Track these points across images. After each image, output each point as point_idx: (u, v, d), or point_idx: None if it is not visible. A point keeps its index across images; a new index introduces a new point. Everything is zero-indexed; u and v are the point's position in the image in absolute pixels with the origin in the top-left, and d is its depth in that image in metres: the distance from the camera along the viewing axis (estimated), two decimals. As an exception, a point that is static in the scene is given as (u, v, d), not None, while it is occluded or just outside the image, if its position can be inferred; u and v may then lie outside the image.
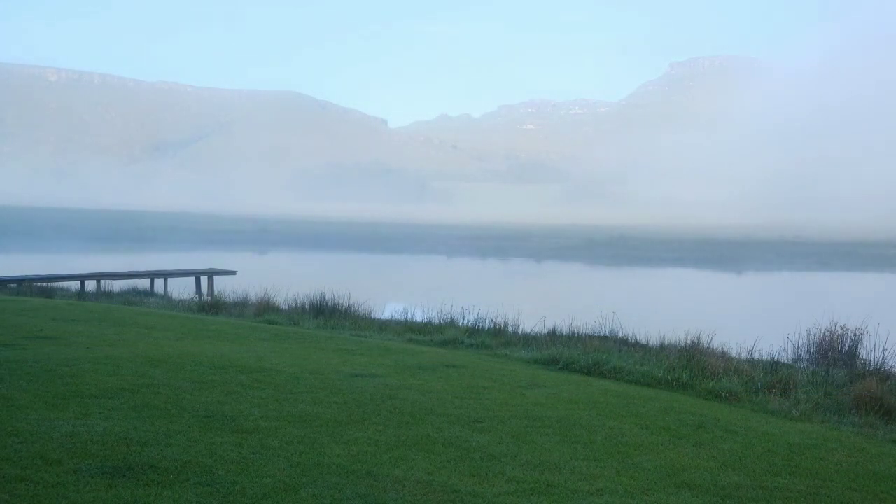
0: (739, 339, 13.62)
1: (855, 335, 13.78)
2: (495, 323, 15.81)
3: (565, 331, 15.37)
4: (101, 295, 23.83)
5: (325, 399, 7.67)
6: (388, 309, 18.83)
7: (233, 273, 31.28)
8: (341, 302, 18.50)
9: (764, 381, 10.44)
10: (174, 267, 33.12)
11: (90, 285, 26.17)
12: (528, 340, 14.47)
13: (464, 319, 16.40)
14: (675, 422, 7.77)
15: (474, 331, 15.24)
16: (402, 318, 17.68)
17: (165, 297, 25.49)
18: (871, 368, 11.91)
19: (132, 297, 23.07)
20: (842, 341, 13.83)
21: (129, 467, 5.13)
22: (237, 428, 6.33)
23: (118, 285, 26.90)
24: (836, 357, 13.33)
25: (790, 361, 13.42)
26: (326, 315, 17.48)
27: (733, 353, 13.05)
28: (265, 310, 18.19)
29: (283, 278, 24.97)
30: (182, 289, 27.68)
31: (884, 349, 12.60)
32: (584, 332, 15.05)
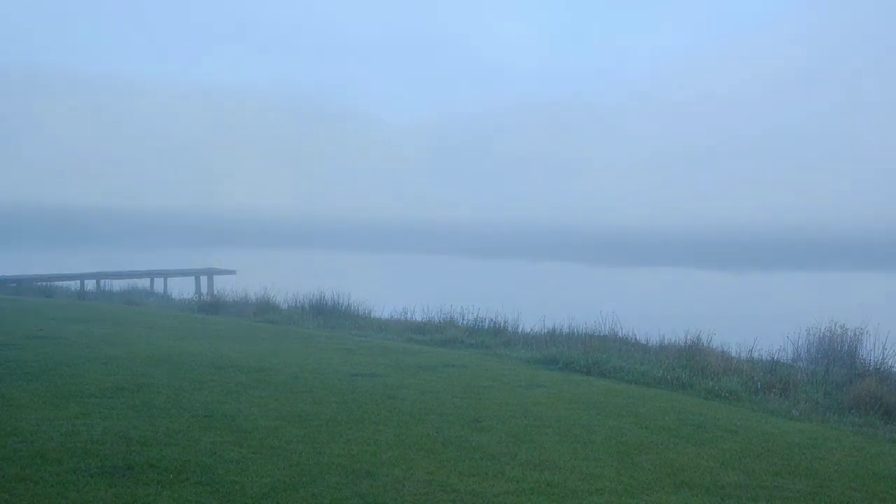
0: (739, 338, 13.61)
1: (855, 335, 13.78)
2: (495, 322, 15.80)
3: (565, 330, 15.35)
4: (100, 294, 23.85)
5: (325, 398, 7.67)
6: (388, 308, 18.79)
7: (232, 272, 31.30)
8: (341, 301, 18.49)
9: (764, 380, 10.44)
10: (174, 266, 33.13)
11: (90, 285, 26.17)
12: (528, 340, 14.46)
13: (463, 319, 16.38)
14: (675, 421, 7.77)
15: (474, 330, 15.23)
16: (402, 317, 17.67)
17: (165, 296, 25.52)
18: (870, 368, 11.90)
19: (132, 297, 23.09)
20: (841, 341, 13.84)
21: (129, 466, 5.13)
22: (237, 427, 6.33)
23: (118, 285, 26.92)
24: (835, 357, 13.32)
25: (790, 361, 13.42)
26: (326, 314, 17.47)
27: (733, 353, 13.04)
28: (265, 309, 18.19)
29: (283, 277, 24.98)
30: (182, 288, 27.69)
31: (884, 349, 12.59)
32: (584, 331, 15.03)
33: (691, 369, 10.80)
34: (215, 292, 23.85)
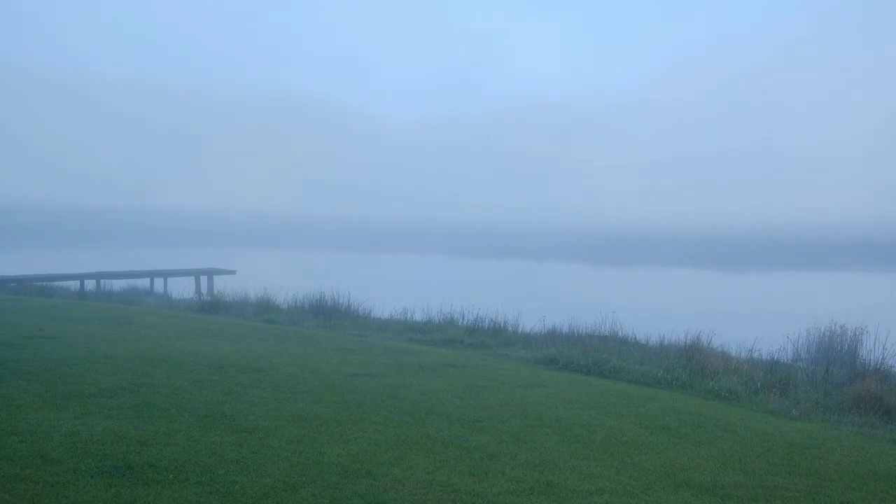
0: (739, 338, 13.61)
1: (855, 335, 13.79)
2: (495, 322, 15.80)
3: (565, 330, 15.36)
4: (100, 294, 23.85)
5: (325, 398, 7.67)
6: (388, 308, 18.80)
7: (232, 272, 31.29)
8: (341, 301, 18.49)
9: (764, 380, 10.44)
10: (174, 266, 33.13)
11: (90, 285, 26.17)
12: (528, 340, 14.47)
13: (463, 319, 16.39)
14: (675, 421, 7.77)
15: (474, 330, 15.24)
16: (402, 317, 17.67)
17: (165, 296, 25.53)
18: (870, 368, 11.91)
19: (132, 297, 23.09)
20: (841, 341, 13.85)
21: (129, 466, 5.13)
22: (237, 427, 6.33)
23: (118, 285, 26.92)
24: (835, 357, 13.33)
25: (790, 361, 13.42)
26: (326, 314, 17.47)
27: (733, 353, 13.04)
28: (265, 309, 18.18)
29: (283, 277, 24.97)
30: (182, 288, 27.69)
31: (884, 349, 12.60)
32: (584, 331, 15.04)
33: (691, 369, 10.80)
34: (215, 292, 23.84)
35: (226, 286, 23.16)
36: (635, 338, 14.91)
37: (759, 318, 22.92)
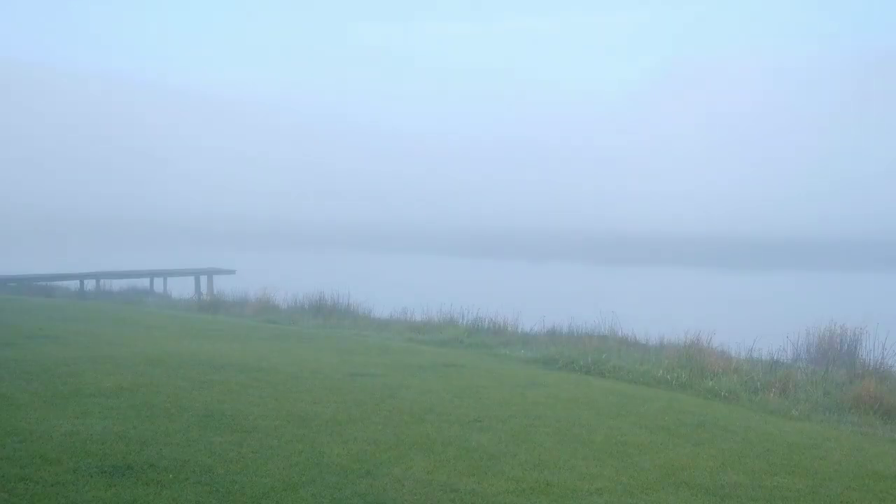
0: (739, 338, 13.60)
1: (854, 335, 13.78)
2: (494, 322, 15.79)
3: (565, 330, 15.37)
4: (100, 294, 23.88)
5: (325, 398, 7.67)
6: (388, 308, 18.80)
7: (232, 272, 31.28)
8: (341, 301, 18.50)
9: (763, 380, 10.44)
10: (173, 266, 33.11)
11: (90, 284, 26.17)
12: (528, 339, 14.47)
13: (463, 318, 16.38)
14: (675, 421, 7.77)
15: (474, 330, 15.24)
16: (402, 317, 17.67)
17: (165, 296, 25.57)
18: (870, 368, 11.91)
19: (131, 297, 23.15)
20: (841, 341, 13.84)
21: (129, 466, 5.13)
22: (236, 427, 6.33)
23: (118, 284, 26.93)
24: (835, 357, 13.32)
25: (790, 361, 13.41)
26: (326, 314, 17.48)
27: (733, 353, 13.03)
28: (264, 309, 18.21)
29: (283, 277, 24.98)
30: (181, 288, 27.71)
31: (883, 349, 12.59)
32: (584, 331, 15.04)
33: (691, 369, 10.80)
34: (215, 292, 23.87)
35: (225, 286, 23.20)
36: (635, 337, 14.89)
37: (759, 318, 22.91)
